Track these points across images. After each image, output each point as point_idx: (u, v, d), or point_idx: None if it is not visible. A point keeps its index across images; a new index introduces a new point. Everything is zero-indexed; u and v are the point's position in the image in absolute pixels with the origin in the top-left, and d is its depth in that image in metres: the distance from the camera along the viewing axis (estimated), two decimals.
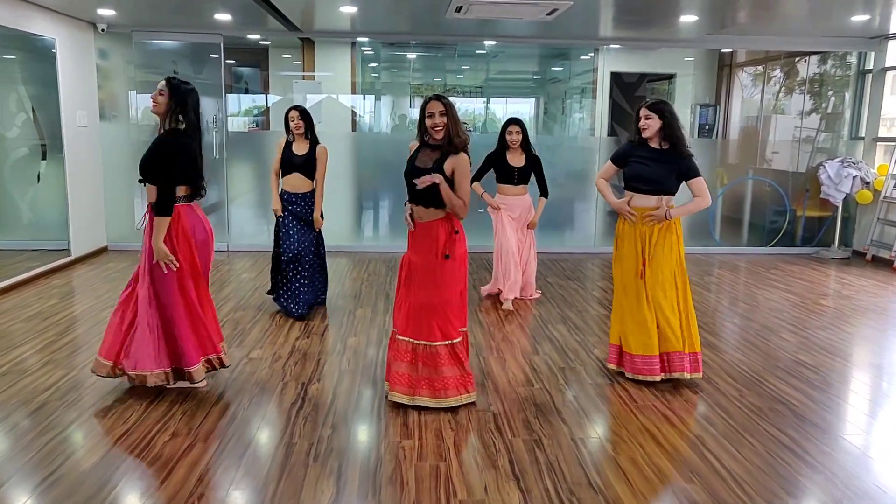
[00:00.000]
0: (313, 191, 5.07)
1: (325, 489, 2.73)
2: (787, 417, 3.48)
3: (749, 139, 8.92)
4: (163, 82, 3.49)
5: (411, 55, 9.03)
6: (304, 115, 5.02)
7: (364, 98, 9.24)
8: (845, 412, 3.60)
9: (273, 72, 9.16)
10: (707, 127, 9.11)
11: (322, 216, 5.13)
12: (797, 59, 8.68)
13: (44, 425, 3.24)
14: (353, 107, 8.59)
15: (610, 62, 8.28)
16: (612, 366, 3.98)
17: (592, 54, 8.44)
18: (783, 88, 9.03)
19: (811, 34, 7.65)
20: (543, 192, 5.60)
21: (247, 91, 10.20)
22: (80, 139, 6.85)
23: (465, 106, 10.05)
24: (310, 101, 8.08)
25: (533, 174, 5.58)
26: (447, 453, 3.03)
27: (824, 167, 7.93)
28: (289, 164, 5.02)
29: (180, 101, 3.47)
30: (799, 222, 8.39)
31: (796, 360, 4.36)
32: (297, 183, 5.03)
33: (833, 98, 8.62)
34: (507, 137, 5.44)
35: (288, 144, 5.06)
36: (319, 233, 5.20)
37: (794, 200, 8.36)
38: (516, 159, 5.49)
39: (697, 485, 2.80)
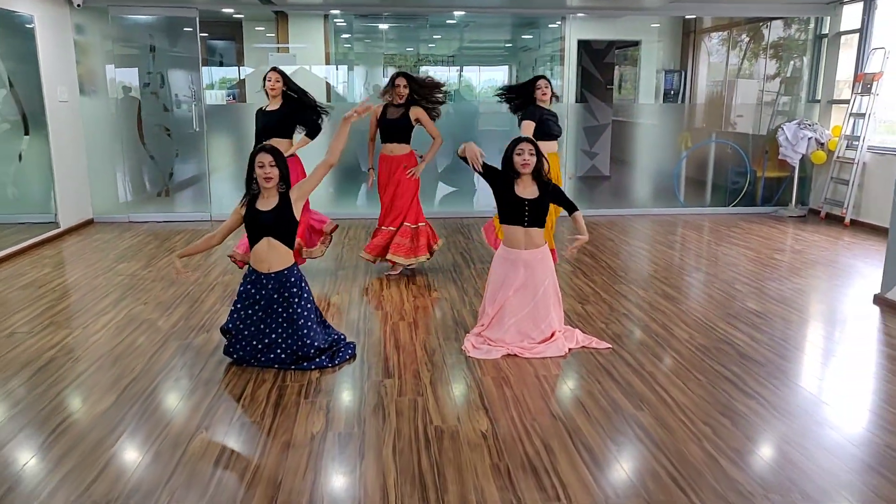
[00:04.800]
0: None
1: (316, 422, 3.06)
2: (731, 356, 3.87)
3: (714, 103, 9.26)
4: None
5: (384, 26, 9.21)
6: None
7: (338, 69, 9.43)
8: (786, 351, 3.99)
9: (247, 44, 9.30)
10: (672, 92, 9.44)
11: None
12: (761, 24, 9.00)
13: (54, 377, 3.52)
14: (325, 78, 8.77)
15: (577, 30, 8.54)
16: None
17: (560, 23, 8.69)
18: (748, 53, 9.35)
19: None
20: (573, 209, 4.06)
21: (221, 64, 10.33)
22: (61, 114, 7.00)
23: (439, 75, 10.26)
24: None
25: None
26: (424, 390, 3.37)
27: (782, 129, 8.30)
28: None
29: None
30: (759, 183, 8.79)
31: (745, 307, 4.76)
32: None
33: (794, 62, 8.98)
34: (517, 159, 3.87)
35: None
36: None
37: (754, 162, 8.75)
38: (527, 189, 3.96)
39: (646, 411, 3.17)
